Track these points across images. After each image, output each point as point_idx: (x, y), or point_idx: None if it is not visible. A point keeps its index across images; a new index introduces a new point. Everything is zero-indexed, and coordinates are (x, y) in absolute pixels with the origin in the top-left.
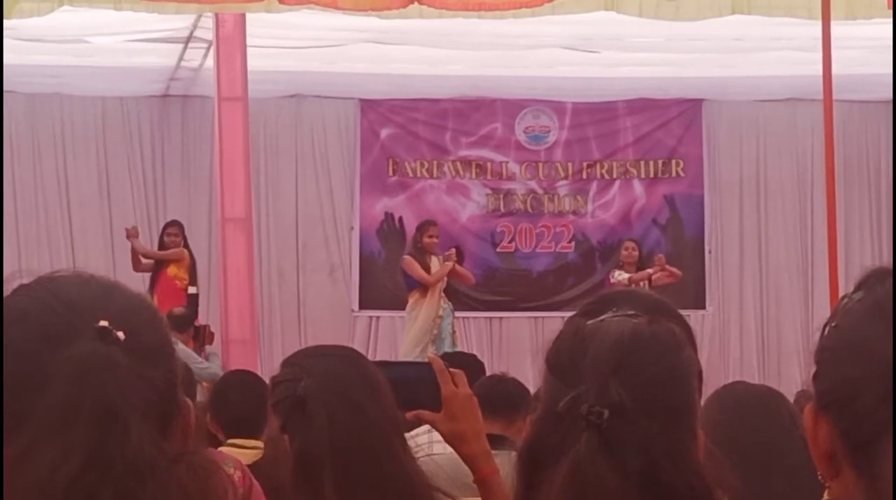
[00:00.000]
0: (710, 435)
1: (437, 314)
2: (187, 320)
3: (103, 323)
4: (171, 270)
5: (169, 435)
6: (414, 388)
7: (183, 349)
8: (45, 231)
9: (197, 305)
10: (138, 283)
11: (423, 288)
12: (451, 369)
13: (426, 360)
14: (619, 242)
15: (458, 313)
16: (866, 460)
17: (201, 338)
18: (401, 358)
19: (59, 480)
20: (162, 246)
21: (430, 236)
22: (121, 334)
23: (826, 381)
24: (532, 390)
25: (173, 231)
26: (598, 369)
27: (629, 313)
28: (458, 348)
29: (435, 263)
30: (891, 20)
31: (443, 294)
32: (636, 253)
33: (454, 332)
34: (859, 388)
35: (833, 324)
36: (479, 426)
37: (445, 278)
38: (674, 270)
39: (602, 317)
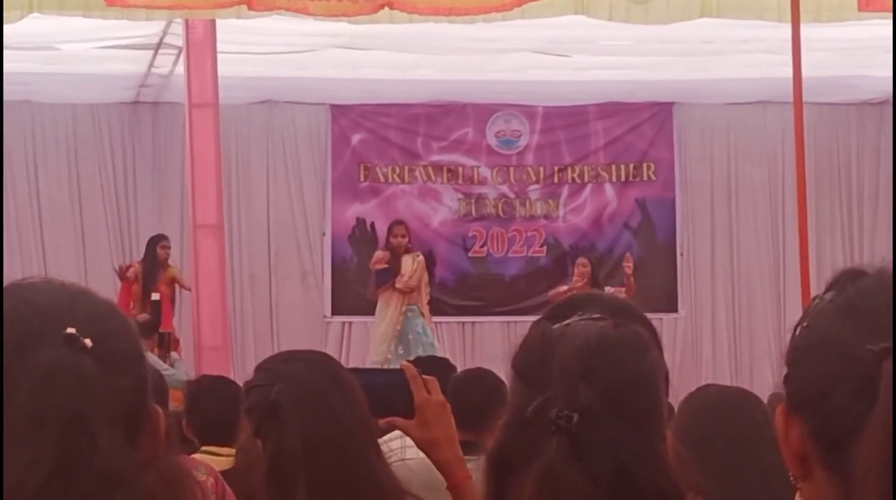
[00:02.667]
0: (684, 437)
1: (399, 311)
2: (152, 326)
3: (70, 330)
4: (165, 285)
5: (138, 443)
6: (387, 395)
7: (150, 356)
8: (16, 238)
9: (160, 311)
10: (110, 290)
11: (392, 284)
12: (424, 376)
13: (393, 360)
14: (591, 246)
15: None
16: (838, 458)
17: (166, 344)
18: (370, 356)
19: (27, 488)
20: (156, 260)
21: (396, 236)
22: (88, 342)
23: (797, 380)
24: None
25: (167, 243)
26: (566, 374)
27: (595, 316)
28: (437, 348)
29: (407, 261)
30: (860, 22)
31: (409, 295)
32: (588, 270)
33: (425, 331)
34: (831, 386)
35: (805, 324)
36: (452, 432)
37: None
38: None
39: (568, 321)
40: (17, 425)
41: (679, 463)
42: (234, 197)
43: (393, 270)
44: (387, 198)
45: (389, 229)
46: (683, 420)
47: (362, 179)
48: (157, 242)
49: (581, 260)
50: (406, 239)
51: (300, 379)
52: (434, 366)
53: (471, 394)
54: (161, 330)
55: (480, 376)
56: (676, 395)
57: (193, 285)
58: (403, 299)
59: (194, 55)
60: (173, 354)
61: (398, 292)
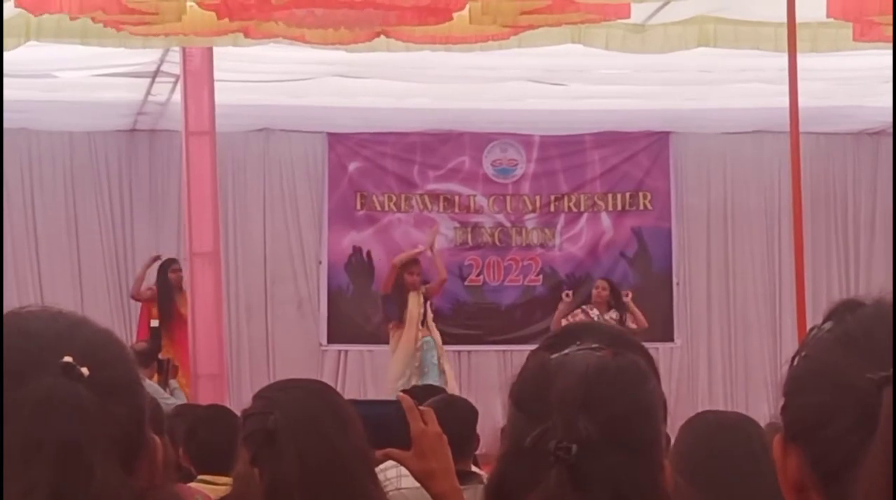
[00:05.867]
0: (681, 464)
1: (415, 347)
2: (150, 355)
3: (67, 359)
4: (185, 308)
5: (134, 471)
6: (383, 426)
7: (150, 384)
8: (13, 266)
9: (160, 338)
10: (106, 318)
11: (399, 320)
12: (421, 407)
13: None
14: (587, 275)
15: None
16: (837, 488)
17: (165, 372)
18: (387, 391)
19: None
20: (167, 284)
21: (412, 274)
22: (85, 370)
23: (796, 410)
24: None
25: (178, 267)
26: (565, 404)
27: (593, 346)
28: (448, 382)
29: (412, 299)
30: (856, 53)
31: (422, 327)
32: (606, 292)
33: (440, 364)
34: (830, 416)
35: (803, 354)
36: (448, 463)
37: (423, 311)
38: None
39: (566, 351)
40: (13, 452)
41: (677, 493)
42: (230, 225)
43: (398, 306)
44: (383, 226)
45: (405, 266)
46: (681, 446)
47: (359, 207)
48: (167, 266)
49: (600, 283)
50: (420, 278)
51: (297, 407)
52: (431, 396)
53: (444, 423)
54: (160, 357)
55: (453, 405)
56: (673, 425)
57: (190, 312)
58: (417, 332)
59: (191, 83)
60: (172, 382)
61: (408, 327)
